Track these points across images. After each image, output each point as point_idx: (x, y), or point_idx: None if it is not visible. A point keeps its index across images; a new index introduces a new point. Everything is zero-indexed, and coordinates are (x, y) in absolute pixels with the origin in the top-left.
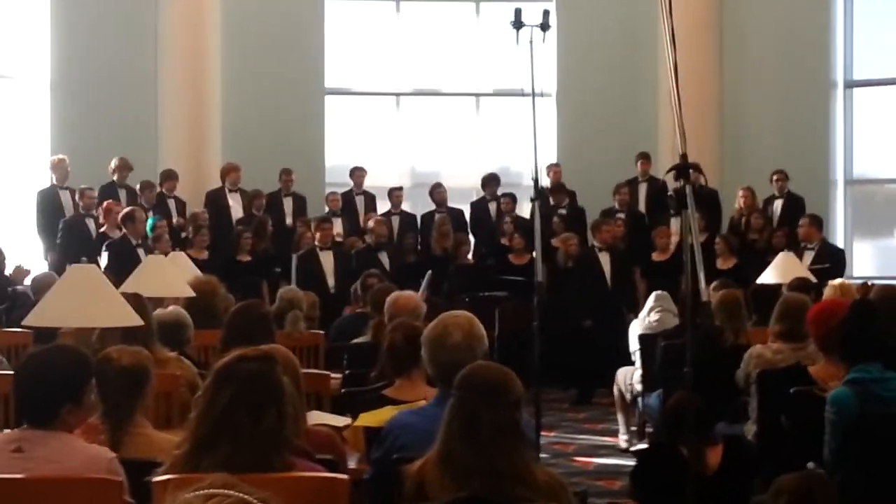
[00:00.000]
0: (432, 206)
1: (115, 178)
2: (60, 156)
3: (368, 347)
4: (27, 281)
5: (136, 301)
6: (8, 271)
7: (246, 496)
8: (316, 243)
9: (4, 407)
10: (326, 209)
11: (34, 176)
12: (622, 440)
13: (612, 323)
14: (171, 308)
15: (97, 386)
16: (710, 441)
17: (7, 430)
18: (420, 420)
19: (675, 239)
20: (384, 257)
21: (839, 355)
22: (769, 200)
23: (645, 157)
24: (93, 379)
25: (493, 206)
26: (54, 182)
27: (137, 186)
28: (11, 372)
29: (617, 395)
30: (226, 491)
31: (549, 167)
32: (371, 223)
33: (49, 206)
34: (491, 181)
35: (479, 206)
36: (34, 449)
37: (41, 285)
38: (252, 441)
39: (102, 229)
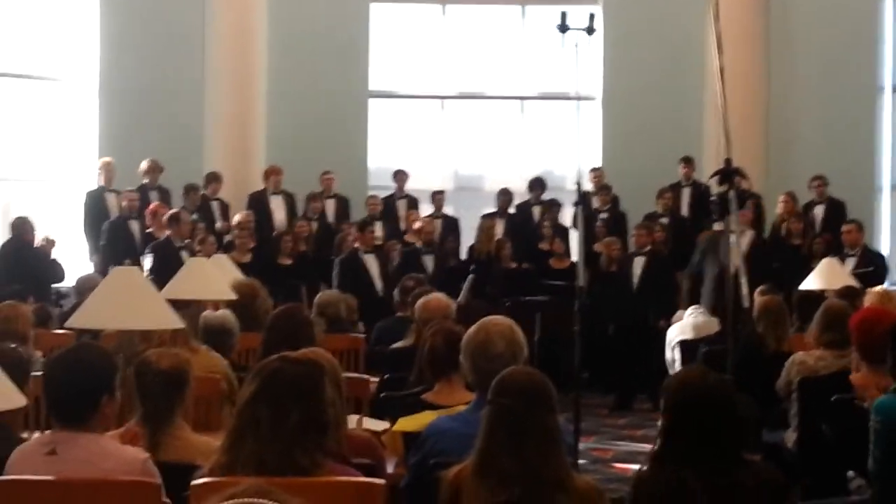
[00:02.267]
0: (475, 209)
1: (146, 180)
2: (107, 158)
3: (408, 351)
4: (54, 253)
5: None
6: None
7: None
8: (359, 246)
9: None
10: (366, 213)
11: (82, 178)
12: None
13: (638, 328)
14: (219, 312)
15: (137, 389)
16: (754, 448)
17: (45, 433)
18: (458, 425)
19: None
20: (429, 260)
21: (889, 364)
22: (809, 206)
23: (688, 162)
24: (117, 371)
25: (536, 210)
26: (101, 184)
27: (181, 188)
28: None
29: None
30: (259, 500)
31: (592, 171)
32: (419, 223)
33: (95, 207)
34: (536, 186)
35: (523, 210)
36: (68, 451)
37: (85, 287)
38: (274, 437)
39: (149, 230)
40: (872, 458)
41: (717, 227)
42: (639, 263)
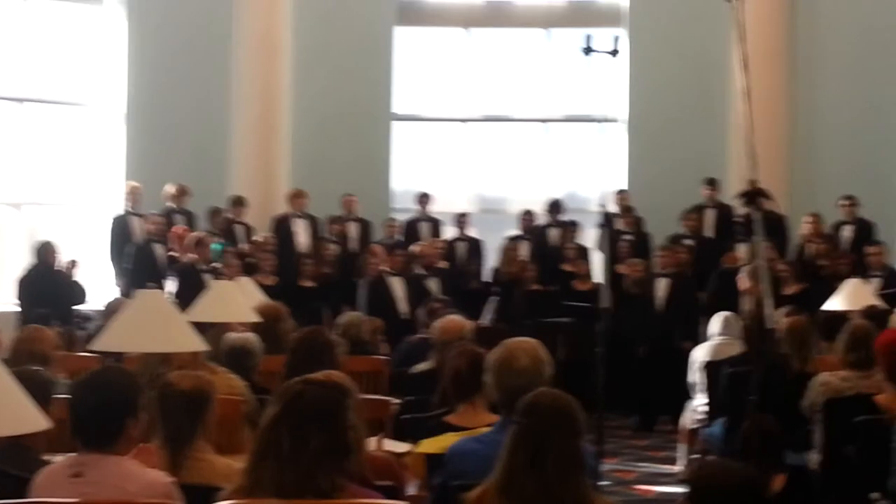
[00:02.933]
0: (498, 231)
1: (172, 204)
2: (134, 183)
3: (430, 374)
4: (79, 275)
5: None
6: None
7: None
8: (385, 268)
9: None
10: (384, 235)
11: (108, 202)
12: (679, 471)
13: (663, 349)
14: (241, 334)
15: (158, 411)
16: (777, 468)
17: (69, 455)
18: (481, 447)
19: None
20: (434, 283)
21: None
22: (838, 226)
23: (712, 183)
24: (140, 393)
25: (554, 233)
26: (128, 209)
27: (205, 211)
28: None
29: (682, 426)
30: None
31: (617, 193)
32: (417, 248)
33: (121, 231)
34: (554, 208)
35: (540, 233)
36: (93, 473)
37: (113, 310)
38: (295, 461)
39: (172, 253)
40: (892, 478)
41: (740, 248)
42: (663, 285)
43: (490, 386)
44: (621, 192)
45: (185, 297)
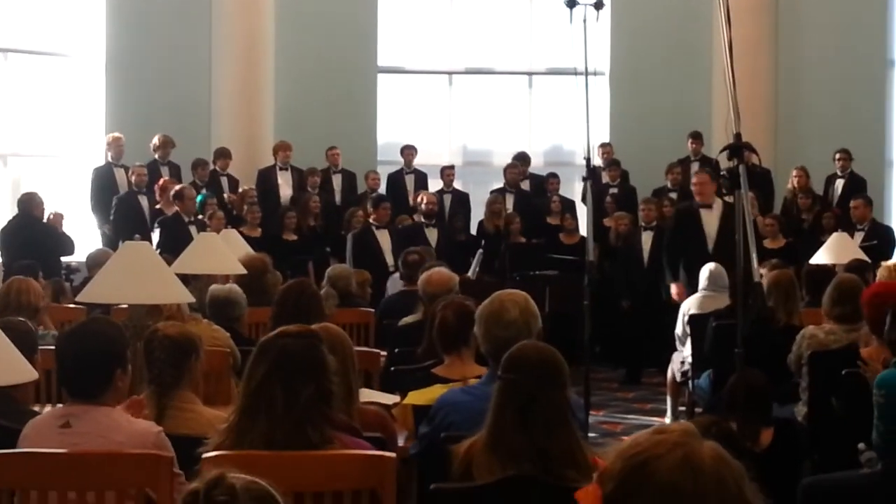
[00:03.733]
0: (483, 184)
1: (157, 155)
2: (116, 134)
3: (417, 326)
4: (64, 227)
5: None
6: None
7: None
8: (372, 222)
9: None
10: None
11: (89, 153)
12: (667, 422)
13: (650, 302)
14: (226, 285)
15: (145, 358)
16: (766, 422)
17: (57, 406)
18: (470, 399)
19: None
20: (432, 233)
21: (890, 337)
22: (831, 179)
23: (696, 137)
24: (128, 345)
25: (525, 185)
26: (110, 159)
27: (190, 164)
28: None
29: (670, 377)
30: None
31: (601, 146)
32: (424, 197)
33: (104, 183)
34: (521, 160)
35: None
36: (81, 424)
37: (96, 261)
38: (287, 415)
39: (158, 206)
40: (877, 432)
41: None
42: (648, 238)
43: (479, 337)
44: (605, 145)
45: (170, 249)
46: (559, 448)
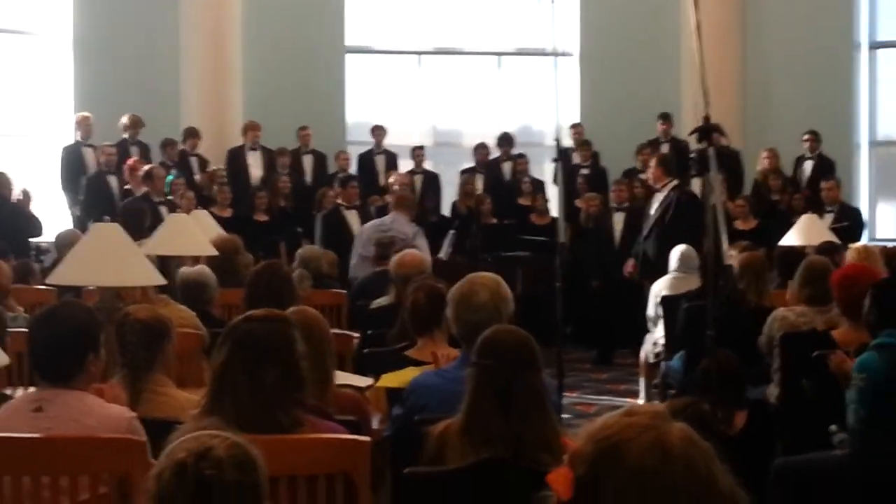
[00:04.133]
0: (453, 164)
1: (126, 135)
2: (85, 113)
3: (391, 308)
4: (33, 207)
5: None
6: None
7: (239, 439)
8: (341, 202)
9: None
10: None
11: (57, 132)
12: (639, 403)
13: (622, 283)
14: (196, 267)
15: (117, 342)
16: (740, 404)
17: (30, 389)
18: (442, 381)
19: None
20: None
21: (869, 319)
22: (799, 161)
23: (666, 118)
24: (100, 329)
25: (507, 166)
26: (78, 139)
27: (159, 144)
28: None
29: (642, 358)
30: (224, 434)
31: (572, 127)
32: (393, 178)
33: (73, 162)
34: (504, 141)
35: (493, 166)
36: (53, 408)
37: (65, 242)
38: (252, 399)
39: (127, 186)
40: (856, 416)
41: (695, 183)
42: (619, 219)
43: (450, 320)
44: (576, 125)
45: (139, 230)
46: (535, 432)
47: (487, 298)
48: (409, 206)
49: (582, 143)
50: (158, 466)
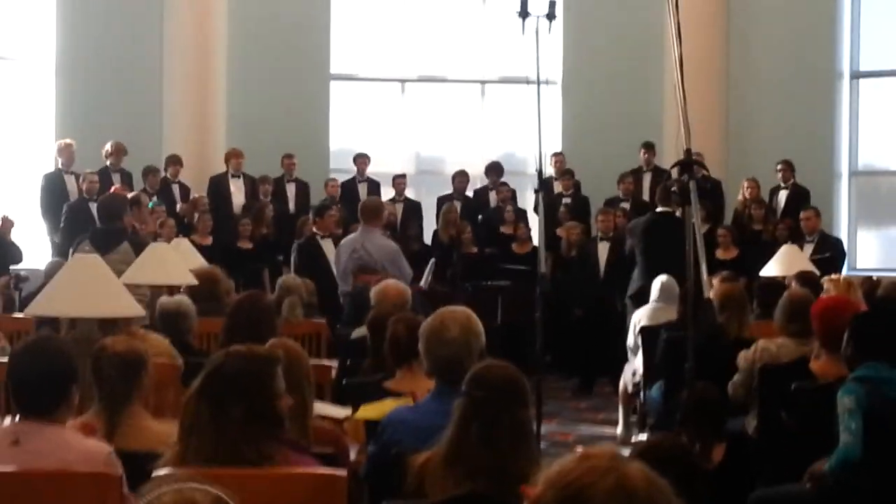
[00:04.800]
0: (436, 193)
1: (108, 162)
2: (68, 140)
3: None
4: (13, 235)
5: None
6: None
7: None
8: (316, 231)
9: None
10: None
11: (38, 159)
12: (618, 433)
13: (605, 313)
14: (175, 297)
15: (93, 374)
16: (719, 437)
17: (6, 423)
18: (415, 416)
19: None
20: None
21: (847, 352)
22: (774, 191)
23: (649, 147)
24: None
25: (493, 195)
26: (60, 166)
27: (141, 171)
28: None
29: (622, 388)
30: (208, 488)
31: (554, 156)
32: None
33: (54, 189)
34: (492, 170)
35: (480, 194)
36: (31, 442)
37: (54, 272)
38: (216, 431)
39: None
40: (850, 434)
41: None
42: (604, 248)
43: (422, 354)
44: (558, 154)
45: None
46: (519, 467)
47: (458, 333)
48: (375, 213)
49: (564, 172)
50: None
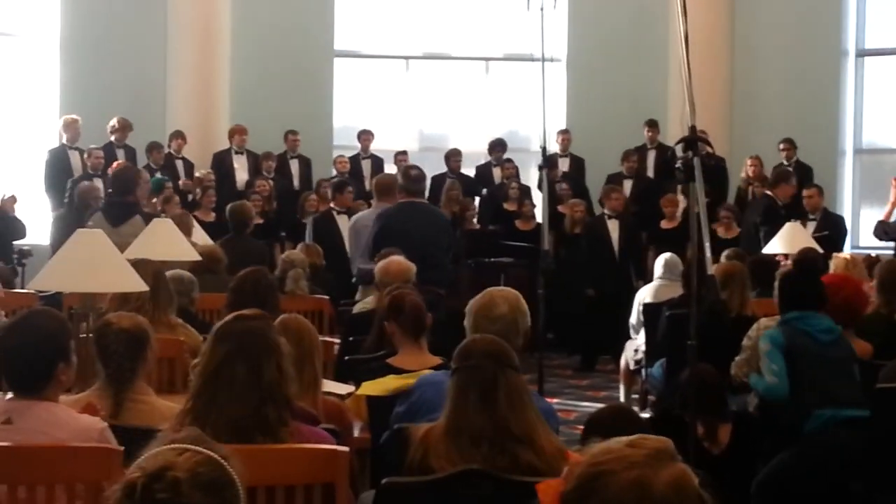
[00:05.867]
0: (440, 170)
1: (113, 138)
2: (73, 116)
3: (372, 313)
4: (17, 211)
5: (147, 269)
6: None
7: (212, 454)
8: (334, 206)
9: None
10: (334, 172)
11: (42, 135)
12: None
13: (621, 290)
14: (176, 271)
15: (97, 352)
16: (723, 418)
17: None
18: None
19: (682, 207)
20: None
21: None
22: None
23: (653, 125)
24: (71, 336)
25: (497, 171)
26: (65, 142)
27: (145, 147)
28: None
29: (623, 365)
30: (196, 447)
31: (560, 133)
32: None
33: (58, 165)
34: (497, 146)
35: (484, 171)
36: (23, 420)
37: None
38: (249, 392)
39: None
40: (771, 373)
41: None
42: (614, 227)
43: (467, 329)
44: (563, 132)
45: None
46: (520, 428)
47: (507, 311)
48: (389, 190)
49: (567, 149)
50: (113, 487)
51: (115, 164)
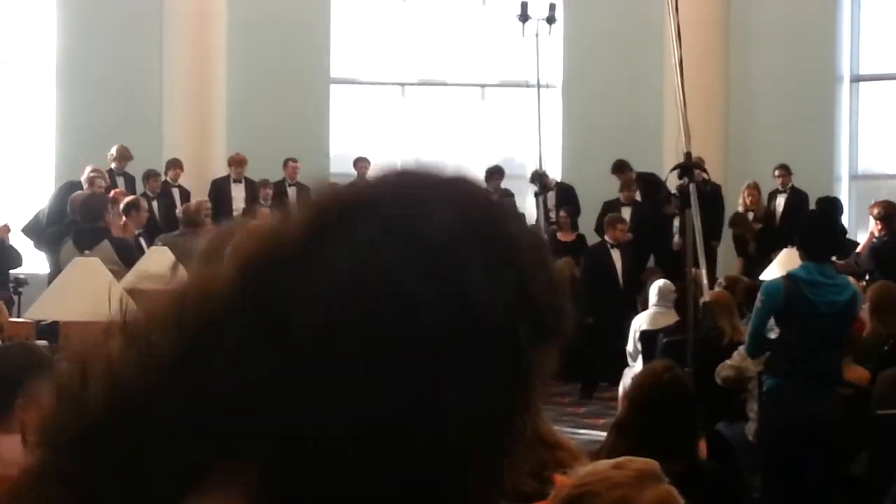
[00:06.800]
0: None
1: (113, 166)
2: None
3: None
4: (11, 239)
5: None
6: None
7: None
8: None
9: None
10: None
11: (38, 163)
12: None
13: (624, 319)
14: None
15: None
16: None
17: None
18: None
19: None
20: None
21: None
22: (773, 195)
23: (620, 168)
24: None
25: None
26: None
27: (142, 175)
28: None
29: (622, 393)
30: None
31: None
32: None
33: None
34: (494, 174)
35: None
36: None
37: None
38: None
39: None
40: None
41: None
42: (616, 256)
43: None
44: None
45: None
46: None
47: None
48: None
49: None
50: None
51: (112, 193)
